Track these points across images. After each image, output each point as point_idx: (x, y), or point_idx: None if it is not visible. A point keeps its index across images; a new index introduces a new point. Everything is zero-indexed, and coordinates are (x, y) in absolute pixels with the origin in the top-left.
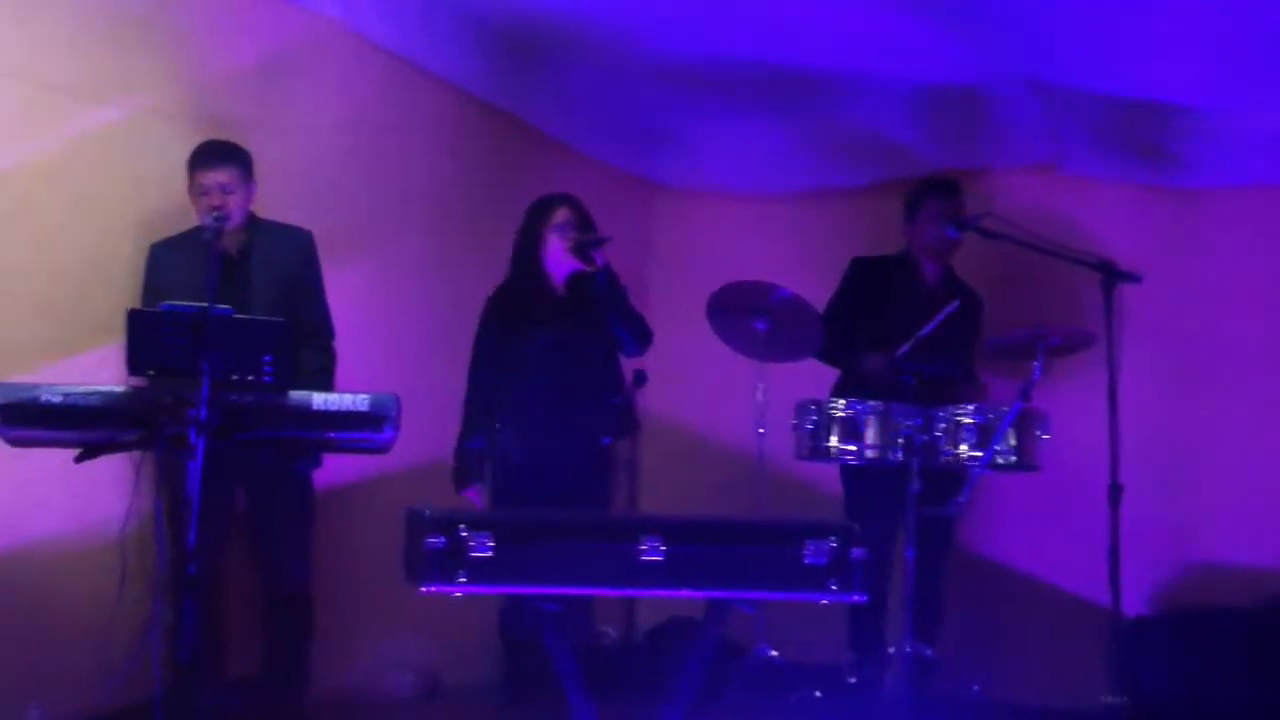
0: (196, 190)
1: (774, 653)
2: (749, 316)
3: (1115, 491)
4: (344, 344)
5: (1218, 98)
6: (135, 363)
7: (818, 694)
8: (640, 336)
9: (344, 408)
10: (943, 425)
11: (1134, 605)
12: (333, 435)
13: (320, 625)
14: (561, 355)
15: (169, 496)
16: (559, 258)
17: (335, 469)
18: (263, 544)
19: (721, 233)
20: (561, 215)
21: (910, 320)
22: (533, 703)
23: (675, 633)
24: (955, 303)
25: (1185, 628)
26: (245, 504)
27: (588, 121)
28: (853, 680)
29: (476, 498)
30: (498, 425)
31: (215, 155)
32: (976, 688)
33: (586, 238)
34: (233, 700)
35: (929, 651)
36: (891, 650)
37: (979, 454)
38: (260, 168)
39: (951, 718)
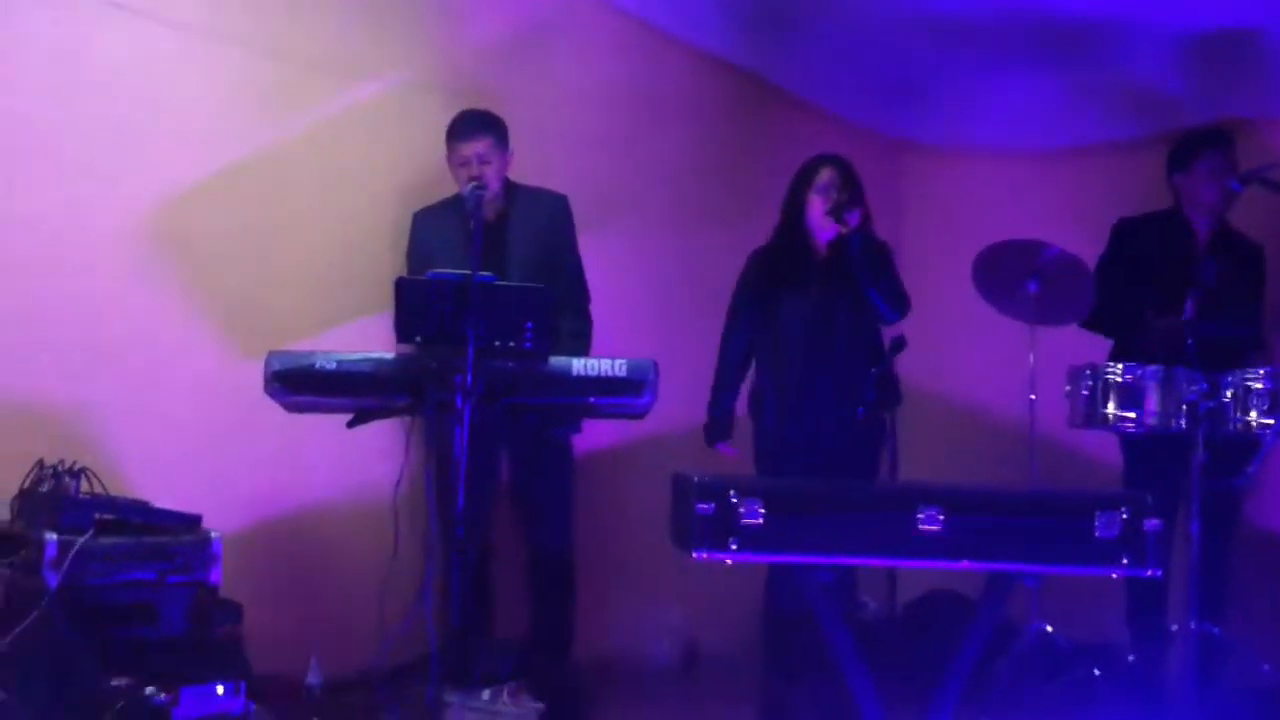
0: (455, 161)
1: (1049, 628)
2: (1019, 277)
3: None
4: (598, 309)
5: None
6: (403, 330)
7: (1096, 672)
8: (896, 303)
9: (603, 373)
10: (1230, 391)
11: None
12: (592, 400)
13: (582, 590)
14: (818, 321)
15: (438, 461)
16: (820, 220)
17: (594, 435)
18: (527, 509)
19: (977, 192)
20: (825, 176)
21: (1184, 281)
22: (797, 675)
23: (937, 606)
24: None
25: None
26: (509, 470)
27: (838, 80)
28: (1132, 659)
29: (729, 452)
30: (756, 391)
31: (471, 126)
32: (1266, 668)
33: (841, 199)
34: (503, 662)
35: (1215, 630)
36: (1174, 628)
37: (1270, 421)
38: (516, 136)
39: (1239, 700)
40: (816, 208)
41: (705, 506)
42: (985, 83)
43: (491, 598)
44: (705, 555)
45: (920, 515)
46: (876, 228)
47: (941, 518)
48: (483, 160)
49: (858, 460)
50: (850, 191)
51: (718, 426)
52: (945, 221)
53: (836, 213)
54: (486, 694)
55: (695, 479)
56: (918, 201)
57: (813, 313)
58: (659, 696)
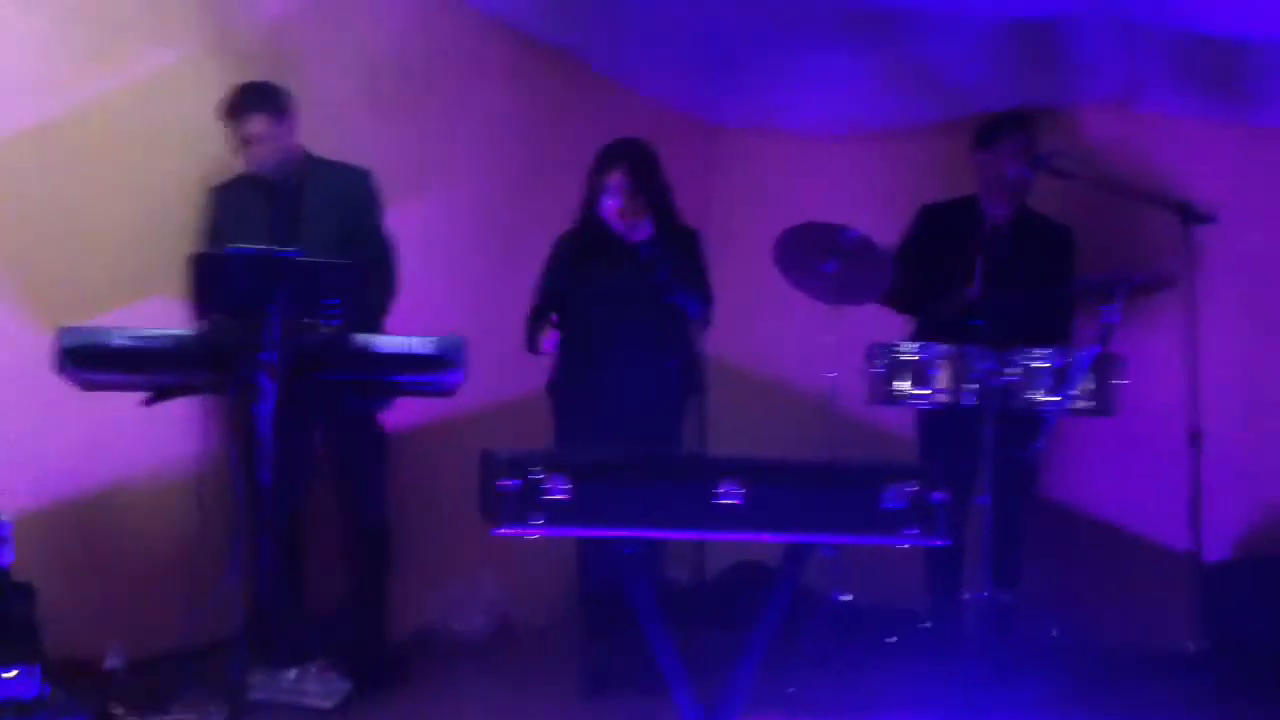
0: (234, 140)
1: (848, 597)
2: (818, 258)
3: (1195, 437)
4: (404, 286)
5: None
6: (201, 306)
7: (893, 639)
8: (700, 303)
9: (409, 350)
10: (1018, 369)
11: (1215, 551)
12: (398, 378)
13: (398, 566)
14: (624, 306)
15: (243, 438)
16: (614, 217)
17: (408, 411)
18: (341, 484)
19: (786, 173)
20: (614, 179)
21: (974, 263)
22: (608, 645)
23: (745, 576)
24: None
25: (1270, 573)
26: (323, 446)
27: (648, 60)
28: (928, 625)
29: (550, 344)
30: (561, 372)
31: (245, 103)
32: (1054, 632)
33: (628, 209)
34: (313, 638)
35: (1006, 596)
36: (968, 595)
37: (1056, 398)
38: (316, 106)
39: (1029, 662)
40: (609, 207)
41: (510, 483)
42: (795, 64)
43: (301, 576)
44: (509, 530)
45: (720, 489)
46: (685, 207)
47: (740, 490)
48: (260, 140)
49: (662, 441)
50: (641, 191)
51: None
52: (754, 201)
53: (627, 228)
54: (293, 673)
55: (500, 456)
56: (727, 181)
57: (619, 298)
58: (473, 671)
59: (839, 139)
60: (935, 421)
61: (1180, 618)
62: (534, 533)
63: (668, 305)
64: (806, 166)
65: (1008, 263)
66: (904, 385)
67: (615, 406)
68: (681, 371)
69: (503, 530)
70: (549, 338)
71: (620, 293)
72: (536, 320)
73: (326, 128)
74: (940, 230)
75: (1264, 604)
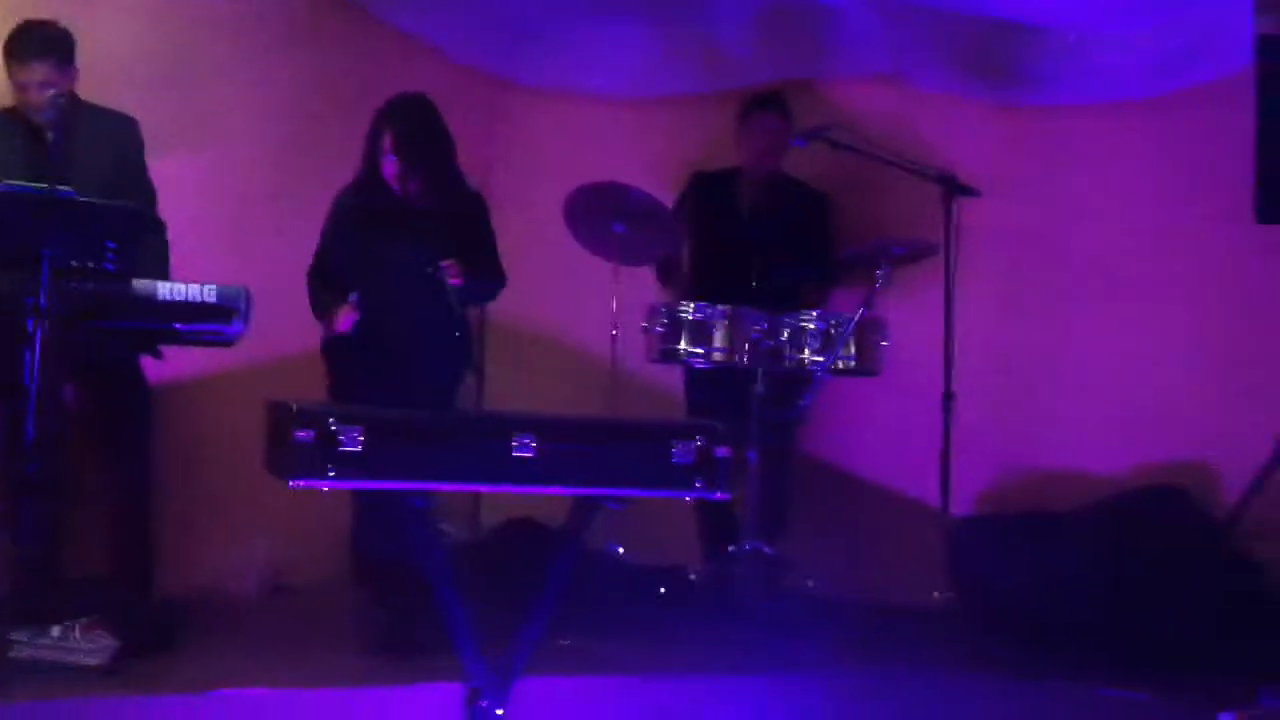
0: (14, 82)
1: (620, 550)
2: (605, 218)
3: (948, 398)
4: (185, 236)
5: (1063, 16)
6: None
7: (662, 590)
8: (493, 292)
9: (191, 298)
10: (788, 330)
11: (965, 507)
12: (179, 327)
13: (167, 523)
14: (404, 269)
15: (6, 389)
16: (394, 178)
17: (175, 364)
18: (99, 441)
19: (574, 135)
20: (388, 143)
21: (739, 231)
22: (386, 603)
23: (519, 532)
24: None
25: (1016, 528)
26: (76, 400)
27: (438, 16)
28: (694, 577)
29: (347, 322)
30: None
31: (32, 49)
32: (811, 583)
33: (406, 170)
34: (76, 599)
35: (770, 550)
36: (734, 549)
37: (821, 359)
38: (92, 51)
39: (789, 612)
40: (388, 168)
41: (304, 434)
42: (586, 29)
43: (63, 533)
44: (303, 483)
45: (515, 442)
46: (473, 165)
47: (535, 445)
48: (44, 85)
49: (439, 406)
50: (418, 152)
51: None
52: (542, 161)
53: (405, 190)
54: (56, 631)
55: (294, 406)
56: (516, 141)
57: (398, 261)
58: (246, 630)
59: (626, 103)
60: (704, 380)
61: (934, 570)
62: (329, 485)
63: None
64: (594, 129)
65: (768, 229)
66: (683, 344)
67: (391, 370)
68: (461, 338)
69: (297, 482)
70: (346, 317)
71: (400, 256)
72: (318, 283)
73: (108, 74)
74: (707, 197)
75: (1011, 558)
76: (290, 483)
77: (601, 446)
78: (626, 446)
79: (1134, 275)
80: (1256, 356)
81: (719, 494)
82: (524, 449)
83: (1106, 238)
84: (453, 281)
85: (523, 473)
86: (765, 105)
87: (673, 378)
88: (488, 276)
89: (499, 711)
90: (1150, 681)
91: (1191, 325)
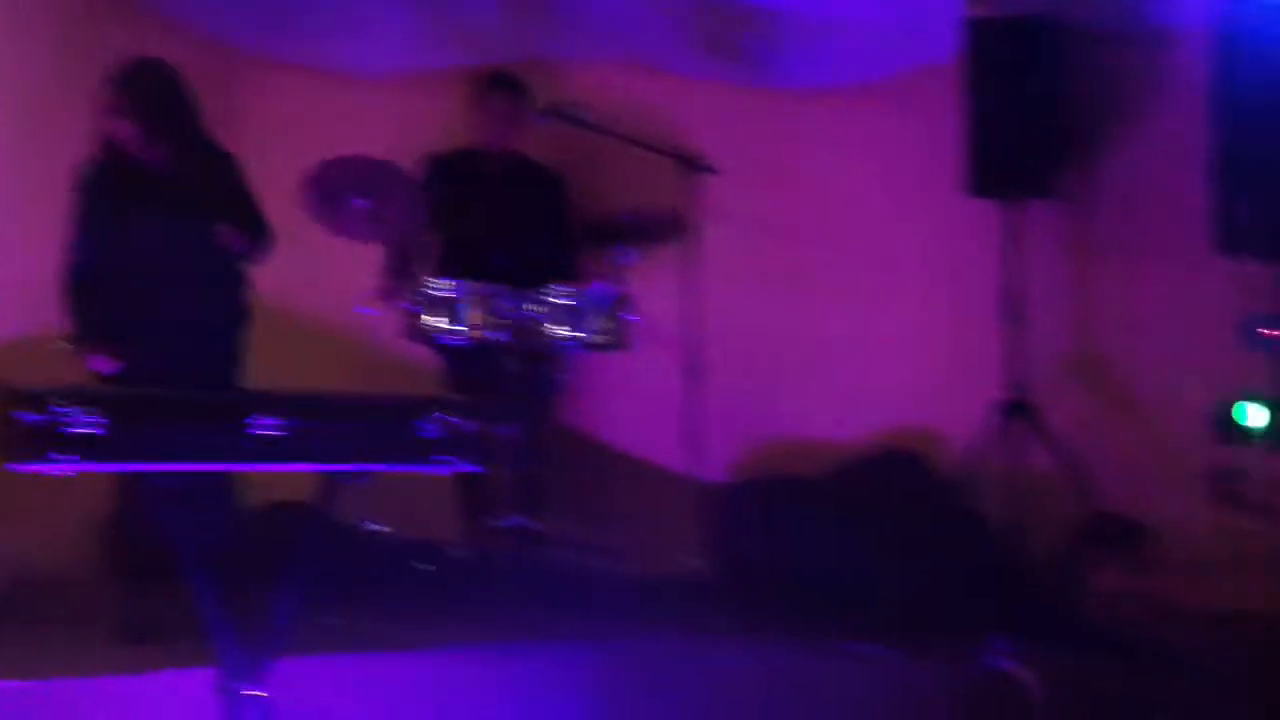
0: None
1: (382, 528)
2: (350, 194)
3: (695, 371)
4: None
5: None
6: None
7: (425, 567)
8: (261, 253)
9: None
10: (539, 307)
11: (715, 474)
12: None
13: None
14: (163, 242)
15: None
16: (131, 143)
17: None
18: None
19: (325, 112)
20: (122, 108)
21: (478, 211)
22: (142, 590)
23: (283, 515)
24: None
25: (765, 495)
26: None
27: None
28: (457, 553)
29: (106, 365)
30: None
31: None
32: (574, 554)
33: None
34: None
35: (530, 523)
36: (495, 524)
37: (573, 335)
38: None
39: (550, 584)
40: (125, 135)
41: (30, 416)
42: (337, 2)
43: None
44: (27, 467)
45: (257, 421)
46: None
47: (278, 422)
48: None
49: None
50: (154, 115)
51: (92, 332)
52: (293, 140)
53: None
54: None
55: (19, 388)
56: (265, 118)
57: (155, 233)
58: None
59: (379, 80)
60: (459, 357)
61: (688, 539)
62: (56, 469)
63: (211, 238)
64: (346, 106)
65: (506, 208)
66: (437, 321)
67: (157, 350)
68: (235, 310)
69: (19, 466)
70: (104, 362)
71: (158, 226)
72: (76, 292)
73: None
74: (444, 178)
75: (761, 525)
76: (12, 467)
77: (345, 423)
78: (370, 422)
79: (868, 251)
80: (975, 327)
81: (467, 468)
82: (265, 427)
83: (841, 215)
84: (233, 246)
85: (264, 451)
86: (498, 85)
87: (431, 355)
88: (258, 234)
89: (253, 694)
90: (891, 637)
91: (920, 298)
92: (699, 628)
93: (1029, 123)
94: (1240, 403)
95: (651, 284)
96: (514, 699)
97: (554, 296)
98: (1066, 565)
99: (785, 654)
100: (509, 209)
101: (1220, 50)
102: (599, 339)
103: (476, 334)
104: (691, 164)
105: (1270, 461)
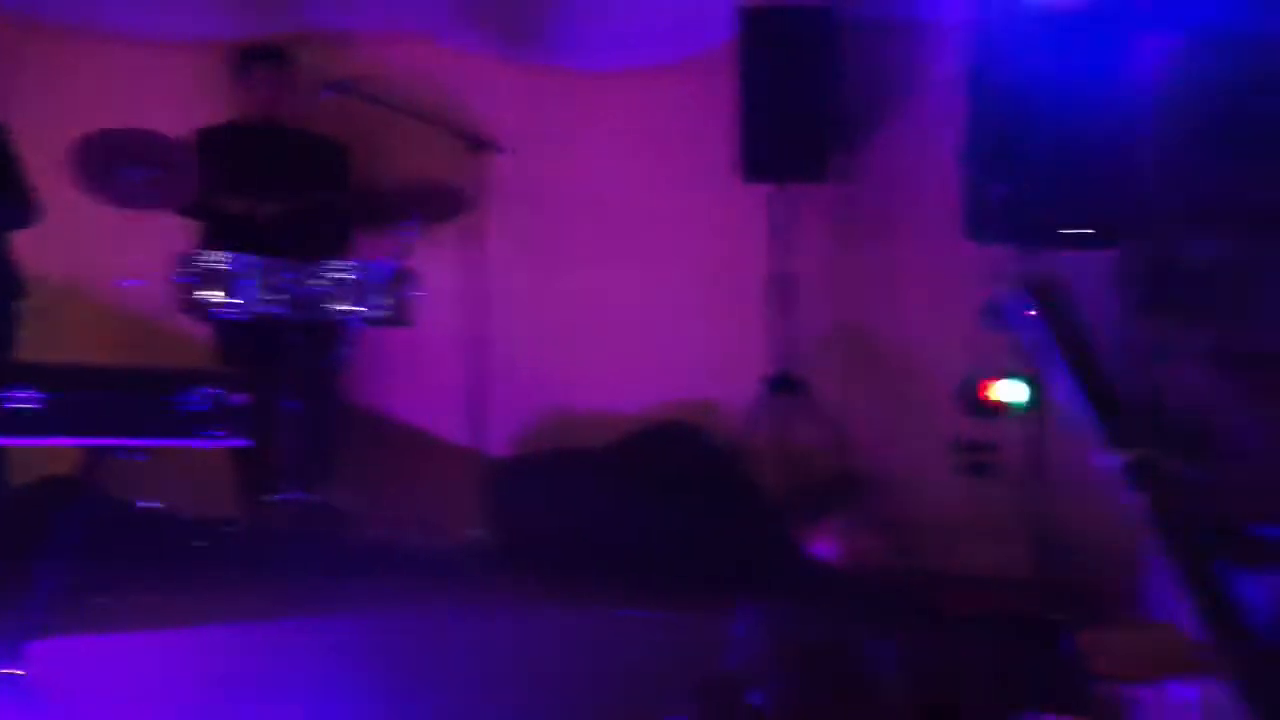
0: None
1: (157, 504)
2: (120, 164)
3: (477, 343)
4: None
5: None
6: None
7: (203, 543)
8: (19, 224)
9: None
10: (321, 280)
11: (499, 447)
12: None
13: None
14: None
15: None
16: None
17: None
18: None
19: (105, 78)
20: None
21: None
22: None
23: (52, 490)
24: None
25: (549, 467)
26: None
27: None
28: (234, 528)
29: None
30: None
31: None
32: (354, 528)
33: None
34: None
35: (313, 497)
36: (274, 498)
37: (355, 309)
38: None
39: (330, 558)
40: None
41: None
42: None
43: None
44: None
45: (15, 394)
46: None
47: (34, 396)
48: None
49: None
50: None
51: None
52: (69, 107)
53: None
54: None
55: None
56: (39, 83)
57: None
58: None
59: (161, 45)
60: (238, 331)
61: (470, 510)
62: None
63: None
64: (127, 71)
65: (278, 181)
66: (213, 295)
67: None
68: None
69: None
70: None
71: None
72: None
73: None
74: (215, 150)
75: (543, 495)
76: None
77: (108, 395)
78: (135, 395)
79: (648, 229)
80: (751, 304)
81: (237, 441)
82: (26, 399)
83: (624, 194)
84: None
85: (22, 424)
86: (258, 57)
87: (204, 326)
88: (19, 204)
89: (9, 672)
90: (668, 601)
91: (698, 275)
92: (480, 597)
93: (798, 108)
94: (998, 379)
95: (435, 259)
96: (293, 672)
97: (335, 271)
98: (799, 522)
99: (564, 620)
100: (282, 181)
101: (975, 43)
102: (381, 314)
103: (257, 308)
104: (476, 141)
105: (1016, 433)
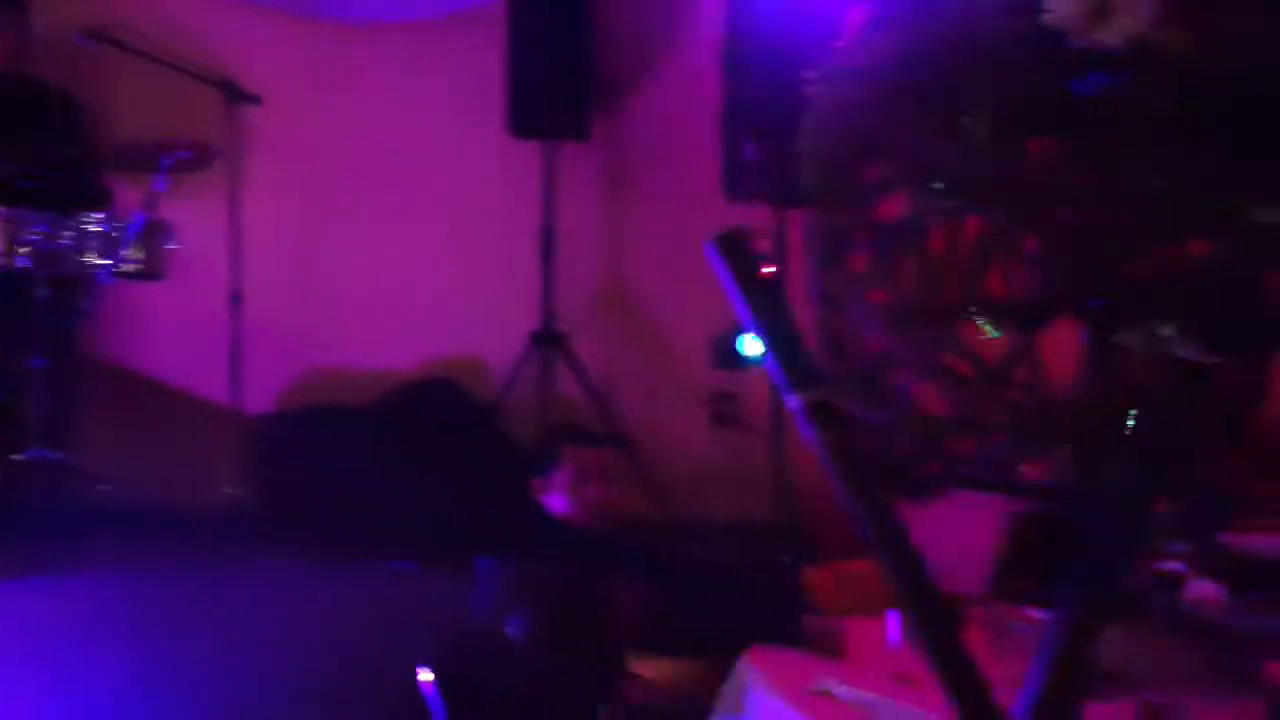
0: None
1: None
2: None
3: (236, 298)
4: None
5: None
6: None
7: None
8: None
9: None
10: (69, 233)
11: (259, 404)
12: None
13: None
14: None
15: None
16: None
17: None
18: None
19: None
20: None
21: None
22: None
23: None
24: None
25: (310, 423)
26: None
27: None
28: None
29: None
30: None
31: None
32: (104, 487)
33: None
34: None
35: (58, 456)
36: (18, 456)
37: (106, 262)
38: None
39: (80, 519)
40: None
41: None
42: None
43: None
44: None
45: None
46: None
47: None
48: None
49: None
50: None
51: None
52: None
53: None
54: None
55: None
56: None
57: None
58: None
59: None
60: None
61: (229, 468)
62: None
63: None
64: None
65: (17, 132)
66: None
67: None
68: None
69: None
70: None
71: None
72: None
73: None
74: None
75: (304, 452)
76: None
77: None
78: None
79: (415, 185)
80: (518, 261)
81: None
82: None
83: (391, 150)
84: None
85: None
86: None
87: None
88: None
89: None
90: (423, 554)
91: (465, 231)
92: (236, 554)
93: (563, 66)
94: (741, 335)
95: (193, 212)
96: (40, 632)
97: (87, 223)
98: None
99: (320, 575)
100: (22, 134)
101: (732, 6)
102: (134, 267)
103: (1, 261)
104: (234, 92)
105: (761, 385)
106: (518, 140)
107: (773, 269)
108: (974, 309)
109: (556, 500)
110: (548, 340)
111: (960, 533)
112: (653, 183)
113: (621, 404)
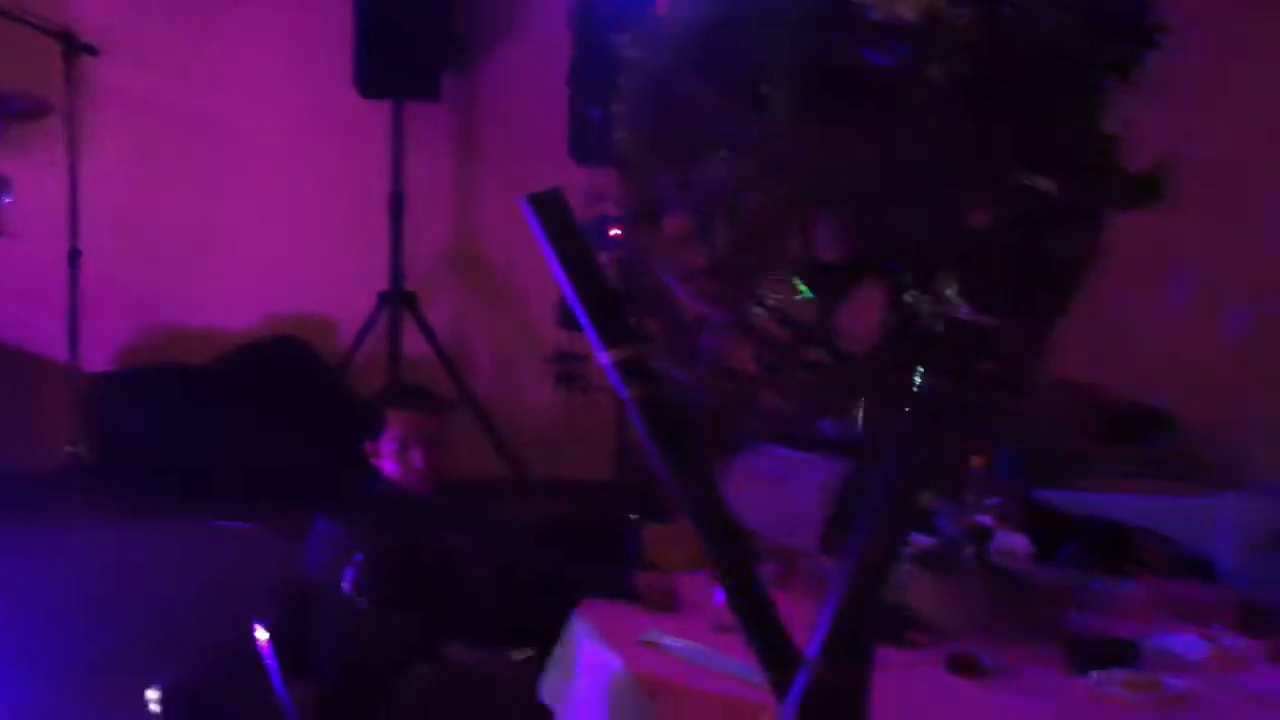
0: None
1: None
2: None
3: (74, 256)
4: None
5: None
6: None
7: None
8: None
9: None
10: None
11: (99, 363)
12: None
13: None
14: None
15: None
16: None
17: None
18: None
19: None
20: None
21: None
22: None
23: None
24: None
25: (152, 382)
26: None
27: None
28: None
29: None
30: None
31: None
32: None
33: None
34: None
35: None
36: None
37: None
38: None
39: None
40: None
41: None
42: None
43: None
44: None
45: None
46: None
47: None
48: None
49: None
50: None
51: None
52: None
53: None
54: None
55: None
56: None
57: None
58: None
59: None
60: None
61: (68, 427)
62: None
63: None
64: None
65: None
66: None
67: None
68: None
69: None
70: None
71: None
72: None
73: None
74: None
75: (141, 410)
76: None
77: None
78: None
79: (265, 142)
80: (365, 220)
81: None
82: None
83: (240, 106)
84: None
85: None
86: None
87: None
88: None
89: None
90: (262, 513)
91: (314, 190)
92: (72, 516)
93: (413, 27)
94: None
95: (31, 167)
96: None
97: None
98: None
99: (158, 534)
100: None
101: None
102: None
103: None
104: (73, 44)
105: None
106: (368, 98)
107: (619, 231)
108: (783, 271)
109: (386, 464)
110: (396, 300)
111: (796, 495)
112: (504, 143)
113: (471, 364)
